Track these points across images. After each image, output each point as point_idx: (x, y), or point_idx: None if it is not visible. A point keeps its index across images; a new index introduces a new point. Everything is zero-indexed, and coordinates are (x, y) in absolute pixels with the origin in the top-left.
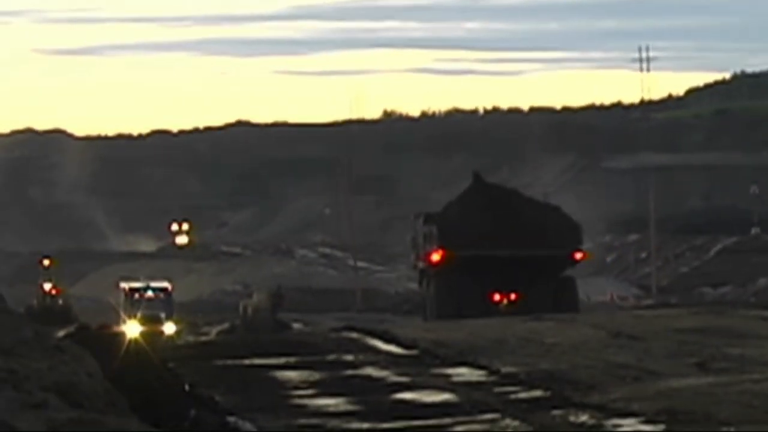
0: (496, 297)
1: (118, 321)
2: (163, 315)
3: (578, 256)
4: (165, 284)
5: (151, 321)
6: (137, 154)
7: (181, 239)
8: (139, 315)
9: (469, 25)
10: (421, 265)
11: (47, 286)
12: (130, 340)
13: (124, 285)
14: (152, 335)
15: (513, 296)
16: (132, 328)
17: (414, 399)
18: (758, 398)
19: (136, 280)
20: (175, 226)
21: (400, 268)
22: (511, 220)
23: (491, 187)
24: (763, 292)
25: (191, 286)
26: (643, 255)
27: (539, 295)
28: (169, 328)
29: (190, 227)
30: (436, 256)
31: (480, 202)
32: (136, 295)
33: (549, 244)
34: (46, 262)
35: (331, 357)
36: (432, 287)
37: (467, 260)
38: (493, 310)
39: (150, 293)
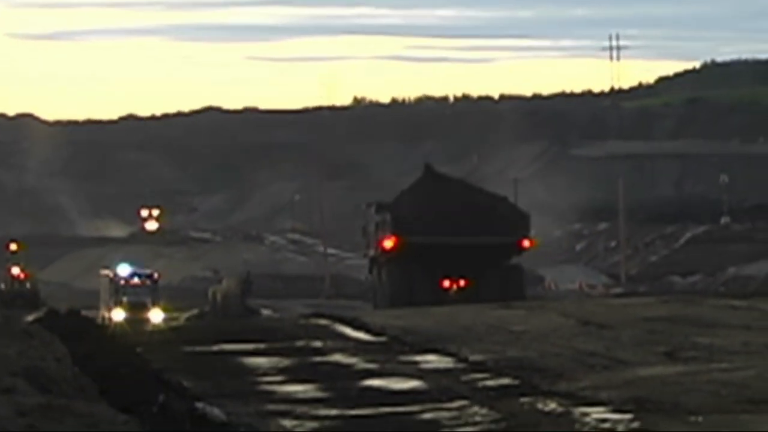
0: (446, 283)
1: (102, 307)
2: (149, 302)
3: (525, 243)
4: (150, 271)
5: (137, 308)
6: (108, 139)
7: (151, 225)
8: (124, 301)
9: (441, 12)
10: (372, 252)
11: (15, 271)
12: (114, 326)
13: (108, 271)
14: (138, 322)
15: (462, 283)
16: (117, 315)
17: (382, 386)
18: (726, 387)
19: (109, 267)
20: (144, 212)
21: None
22: (461, 209)
23: (442, 177)
24: (733, 281)
25: (160, 271)
26: (613, 243)
27: (488, 282)
28: (155, 315)
29: (161, 213)
30: (388, 243)
31: (431, 192)
32: (122, 282)
33: (497, 232)
34: (13, 246)
35: (300, 343)
36: (384, 274)
37: (419, 247)
38: (444, 296)
39: (136, 279)
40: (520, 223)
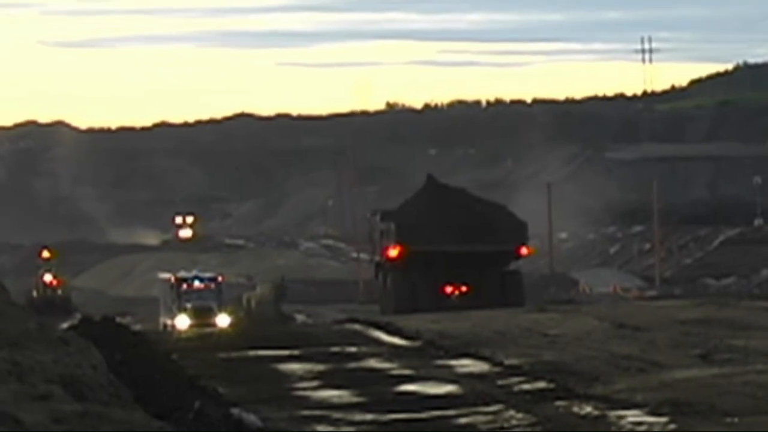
0: (448, 289)
1: (162, 314)
2: (215, 306)
3: (523, 251)
4: (214, 273)
5: (203, 313)
6: (140, 146)
7: (185, 232)
8: (188, 307)
9: (473, 16)
10: (377, 259)
11: (48, 278)
12: (179, 334)
13: (169, 276)
14: (203, 328)
15: (464, 289)
16: (181, 322)
17: (417, 390)
18: (762, 389)
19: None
20: (179, 219)
21: None
22: (461, 218)
23: (444, 188)
24: (767, 283)
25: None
26: (647, 246)
27: (488, 288)
28: (222, 320)
29: (195, 220)
30: (393, 252)
31: (433, 201)
32: (184, 286)
33: (496, 240)
34: (45, 253)
35: (335, 348)
36: (389, 281)
37: (421, 255)
38: (446, 302)
39: (199, 283)
40: (517, 232)
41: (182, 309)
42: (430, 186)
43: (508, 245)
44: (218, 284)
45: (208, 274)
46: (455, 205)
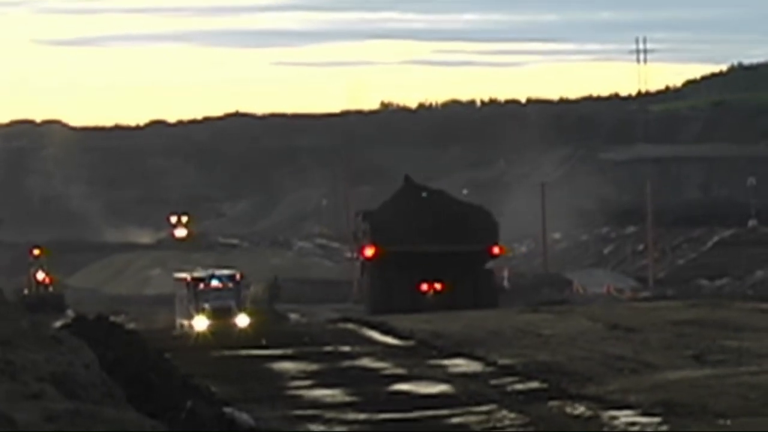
0: (424, 287)
1: (178, 315)
2: (234, 306)
3: (495, 250)
4: (233, 271)
5: (221, 314)
6: (134, 145)
7: (180, 232)
8: (206, 308)
9: (468, 16)
10: (359, 257)
11: (40, 276)
12: (197, 336)
13: (185, 275)
14: (222, 329)
15: (438, 287)
16: (199, 323)
17: (411, 390)
18: (755, 390)
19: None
20: (173, 219)
21: None
22: (436, 218)
23: (420, 189)
24: (761, 284)
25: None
26: (641, 247)
27: (462, 286)
28: (242, 320)
29: (189, 219)
30: (369, 251)
31: (409, 202)
32: (201, 286)
33: (468, 240)
34: (36, 251)
35: (328, 348)
36: (366, 279)
37: (396, 255)
38: (421, 299)
39: (216, 282)
40: (489, 231)
41: (200, 310)
42: (408, 187)
43: (480, 245)
44: (237, 283)
45: (226, 272)
46: (430, 206)
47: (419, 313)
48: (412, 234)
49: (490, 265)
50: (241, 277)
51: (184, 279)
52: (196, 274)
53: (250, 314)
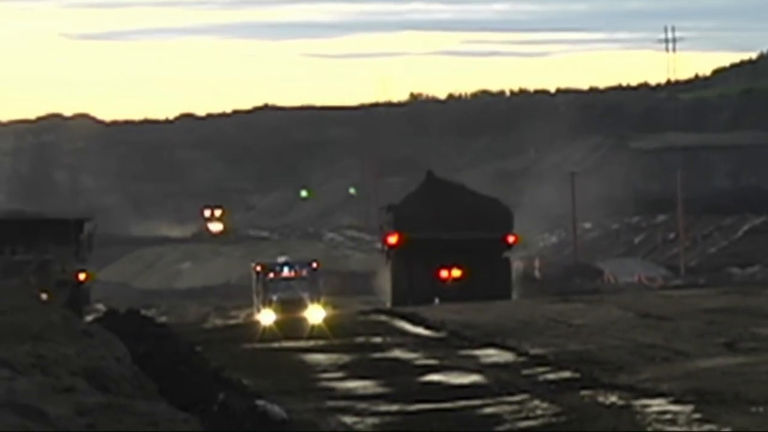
0: (443, 274)
1: (254, 308)
2: (306, 297)
3: (510, 239)
4: (309, 259)
5: (290, 306)
6: (163, 139)
7: (215, 226)
8: (274, 299)
9: (496, 6)
10: (384, 247)
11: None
12: (263, 330)
13: (256, 263)
14: (291, 324)
15: (457, 274)
16: (266, 317)
17: (442, 381)
18: None
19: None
20: (207, 212)
21: None
22: (454, 208)
23: (441, 182)
24: None
25: (219, 269)
26: (671, 235)
27: (479, 274)
28: (314, 314)
29: (223, 213)
30: (392, 239)
31: (430, 195)
32: (271, 275)
33: (484, 229)
34: None
35: (360, 340)
36: (389, 265)
37: (417, 242)
38: (441, 286)
39: (288, 271)
40: (504, 221)
41: (267, 302)
42: (429, 181)
43: (495, 233)
44: (313, 271)
45: (300, 260)
46: (449, 198)
47: (438, 297)
48: (432, 223)
49: (507, 254)
50: (319, 265)
51: (254, 267)
52: (266, 262)
53: (325, 307)
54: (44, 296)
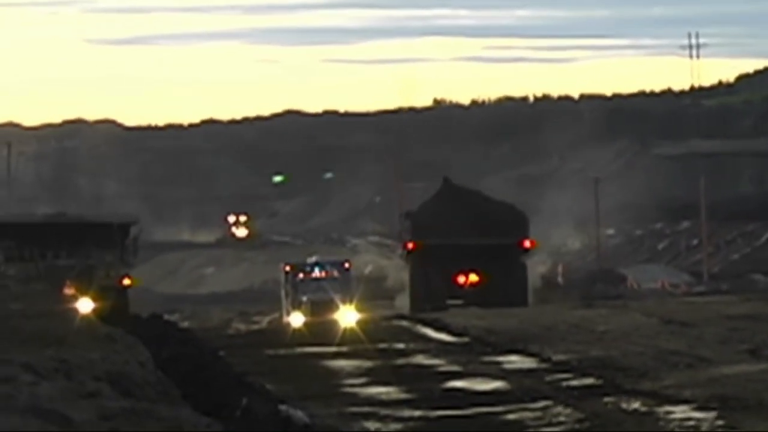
0: (461, 279)
1: (283, 311)
2: (337, 298)
3: (526, 243)
4: (341, 259)
5: (320, 308)
6: (187, 144)
7: (241, 232)
8: (304, 300)
9: (520, 12)
10: (403, 253)
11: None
12: (293, 332)
13: (285, 264)
14: (321, 327)
15: (474, 279)
16: (295, 319)
17: (465, 387)
18: None
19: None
20: (232, 218)
21: None
22: (471, 214)
23: (458, 189)
24: None
25: (243, 274)
26: (695, 242)
27: (496, 279)
28: (347, 316)
29: (248, 219)
30: (410, 245)
31: (447, 201)
32: (301, 275)
33: (500, 234)
34: None
35: (383, 345)
36: (408, 271)
37: (435, 248)
38: (458, 290)
39: (318, 272)
40: (519, 226)
41: (297, 304)
42: (446, 187)
43: (511, 238)
44: (345, 271)
45: (332, 260)
46: (466, 205)
47: (456, 301)
48: (449, 229)
49: (524, 259)
50: (350, 266)
51: (283, 268)
52: (295, 262)
53: (358, 309)
54: (87, 302)
